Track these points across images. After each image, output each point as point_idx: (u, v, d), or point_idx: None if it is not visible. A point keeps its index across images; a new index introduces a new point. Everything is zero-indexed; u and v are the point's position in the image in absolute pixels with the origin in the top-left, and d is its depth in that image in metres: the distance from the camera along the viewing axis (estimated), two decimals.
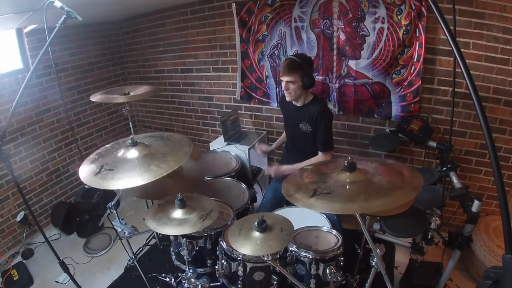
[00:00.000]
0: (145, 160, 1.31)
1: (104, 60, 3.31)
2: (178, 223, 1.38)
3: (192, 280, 1.58)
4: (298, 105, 2.07)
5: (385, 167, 1.26)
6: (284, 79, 1.94)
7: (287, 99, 2.04)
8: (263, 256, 1.36)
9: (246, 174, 2.53)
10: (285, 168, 2.10)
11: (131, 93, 2.00)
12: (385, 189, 1.06)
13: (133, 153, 1.35)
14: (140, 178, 1.22)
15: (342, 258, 1.53)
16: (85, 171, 1.31)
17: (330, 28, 2.33)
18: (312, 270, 1.49)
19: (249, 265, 1.49)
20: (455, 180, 1.86)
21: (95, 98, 1.93)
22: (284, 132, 2.39)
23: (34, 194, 2.82)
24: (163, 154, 1.35)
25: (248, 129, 3.01)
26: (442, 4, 1.99)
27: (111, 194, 2.94)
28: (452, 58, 2.04)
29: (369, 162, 1.25)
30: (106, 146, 1.53)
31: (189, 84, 3.20)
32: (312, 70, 2.09)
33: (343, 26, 2.29)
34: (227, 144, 2.67)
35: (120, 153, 1.37)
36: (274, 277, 1.53)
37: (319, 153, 2.05)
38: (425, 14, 2.03)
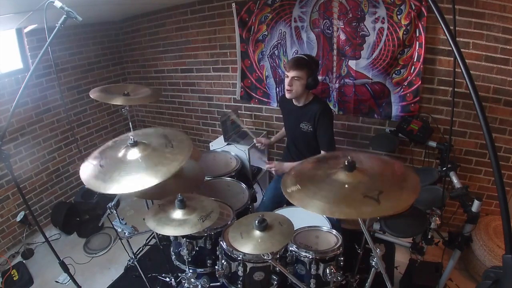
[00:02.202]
0: (148, 160, 1.25)
1: (104, 60, 3.31)
2: (178, 223, 1.38)
3: (192, 280, 1.58)
4: (299, 105, 2.06)
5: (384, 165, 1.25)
6: (290, 74, 1.91)
7: (287, 95, 2.01)
8: (263, 255, 1.36)
9: (246, 174, 2.53)
10: (287, 165, 2.06)
11: (131, 94, 2.00)
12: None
13: (134, 154, 1.28)
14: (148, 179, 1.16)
15: (342, 258, 1.54)
16: (87, 173, 1.25)
17: (330, 28, 2.33)
18: (312, 270, 1.50)
19: (249, 265, 1.49)
20: (455, 180, 1.86)
21: (94, 94, 1.93)
22: (284, 129, 2.39)
23: (34, 194, 2.82)
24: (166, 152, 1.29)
25: (248, 129, 3.00)
26: (442, 4, 1.99)
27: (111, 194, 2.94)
28: (452, 58, 2.04)
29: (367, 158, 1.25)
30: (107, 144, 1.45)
31: (189, 84, 3.20)
32: (318, 71, 2.08)
33: (343, 26, 2.29)
34: (227, 144, 2.67)
35: (121, 153, 1.30)
36: (274, 277, 1.53)
37: (322, 153, 2.04)
38: (425, 14, 2.03)
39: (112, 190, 1.15)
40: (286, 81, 1.96)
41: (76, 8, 1.25)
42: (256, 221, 1.33)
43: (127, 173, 1.20)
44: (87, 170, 1.26)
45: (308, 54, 2.10)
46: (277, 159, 2.94)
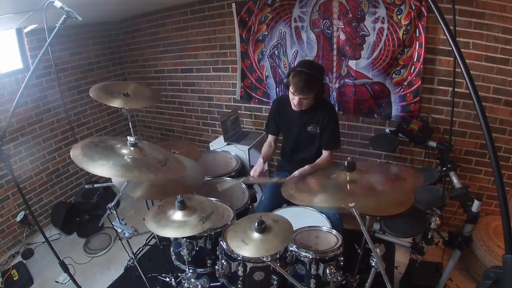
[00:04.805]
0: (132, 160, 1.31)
1: (104, 60, 3.31)
2: (178, 225, 1.38)
3: (192, 280, 1.58)
4: (303, 107, 1.99)
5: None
6: (299, 96, 1.82)
7: (295, 109, 1.94)
8: (262, 257, 1.36)
9: (246, 174, 2.52)
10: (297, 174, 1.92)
11: (131, 95, 1.99)
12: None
13: (126, 151, 1.33)
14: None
15: (342, 258, 1.53)
16: (78, 147, 1.31)
17: (330, 28, 2.33)
18: (312, 270, 1.49)
19: (249, 265, 1.49)
20: (455, 180, 1.86)
21: (93, 93, 1.92)
22: (266, 147, 2.21)
23: (34, 194, 2.82)
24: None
25: (248, 129, 3.01)
26: (442, 4, 1.99)
27: (111, 194, 2.95)
28: (452, 58, 2.04)
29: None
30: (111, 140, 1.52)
31: (189, 84, 3.20)
32: (324, 78, 1.98)
33: (343, 26, 2.29)
34: (227, 144, 2.67)
35: (118, 145, 1.36)
36: (274, 277, 1.53)
37: (324, 151, 2.03)
38: (425, 14, 2.03)
39: (81, 164, 1.22)
40: (294, 99, 1.85)
41: (76, 8, 1.25)
42: (255, 223, 1.33)
43: (106, 159, 1.25)
44: (83, 143, 1.33)
45: (310, 64, 1.87)
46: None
